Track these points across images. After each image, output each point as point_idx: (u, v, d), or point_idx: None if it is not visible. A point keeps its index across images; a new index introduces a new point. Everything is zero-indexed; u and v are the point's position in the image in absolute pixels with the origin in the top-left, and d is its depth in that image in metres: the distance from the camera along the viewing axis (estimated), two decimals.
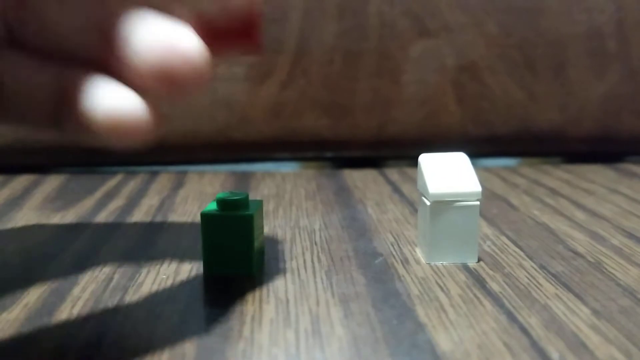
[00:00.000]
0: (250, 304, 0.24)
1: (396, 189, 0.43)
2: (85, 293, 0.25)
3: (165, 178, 0.47)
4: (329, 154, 0.54)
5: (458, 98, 0.52)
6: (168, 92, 0.20)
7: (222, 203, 0.26)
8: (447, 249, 0.28)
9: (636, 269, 0.27)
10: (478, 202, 0.28)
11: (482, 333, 0.21)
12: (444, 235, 0.28)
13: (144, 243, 0.31)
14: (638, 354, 0.20)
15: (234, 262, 0.26)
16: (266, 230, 0.33)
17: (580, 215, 0.35)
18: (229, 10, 0.23)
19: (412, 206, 0.38)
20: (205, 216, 0.26)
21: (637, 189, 0.42)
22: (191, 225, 0.34)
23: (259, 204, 0.28)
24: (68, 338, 0.21)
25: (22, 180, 0.46)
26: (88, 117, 0.21)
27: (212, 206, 0.27)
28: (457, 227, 0.28)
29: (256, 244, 0.27)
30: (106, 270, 0.28)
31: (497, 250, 0.30)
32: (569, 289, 0.25)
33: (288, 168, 0.54)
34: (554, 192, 0.41)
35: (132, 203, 0.39)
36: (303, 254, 0.30)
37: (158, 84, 0.20)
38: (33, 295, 0.25)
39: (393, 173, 0.48)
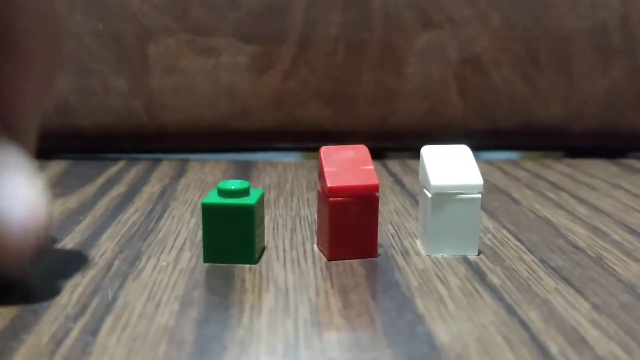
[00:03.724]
0: (249, 293, 0.24)
1: (398, 181, 0.43)
2: (85, 279, 0.25)
3: (166, 166, 0.47)
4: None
5: (461, 91, 0.52)
6: None
7: (223, 192, 0.26)
8: (447, 241, 0.28)
9: (637, 264, 0.27)
10: (479, 195, 0.27)
11: (481, 326, 0.21)
12: (445, 228, 0.28)
13: (144, 230, 0.31)
14: (638, 349, 0.20)
15: (235, 252, 0.26)
16: (267, 219, 0.33)
17: (581, 210, 0.35)
18: None
19: (414, 198, 0.38)
20: (206, 205, 0.26)
21: (639, 185, 0.42)
22: (192, 213, 0.34)
23: (260, 193, 0.27)
24: (67, 323, 0.21)
25: None
26: None
27: (213, 195, 0.27)
28: (458, 219, 0.28)
29: (257, 233, 0.27)
30: (106, 256, 0.28)
31: (497, 244, 0.30)
32: (569, 283, 0.25)
33: (290, 158, 0.54)
34: (555, 186, 0.41)
35: (134, 190, 0.39)
36: (303, 243, 0.30)
37: None
38: (33, 280, 0.25)
39: (395, 165, 0.48)
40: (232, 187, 0.26)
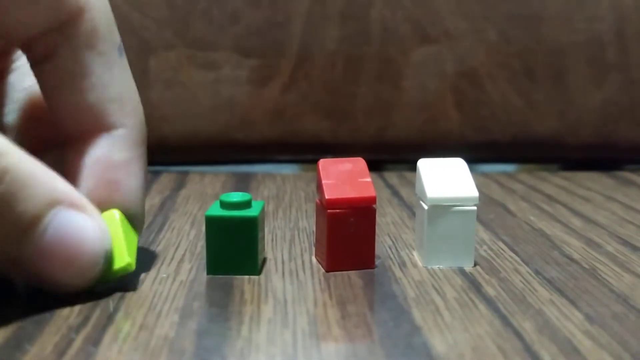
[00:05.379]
0: (248, 304, 0.24)
1: (395, 193, 0.43)
2: (84, 291, 0.25)
3: (166, 178, 0.47)
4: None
5: (457, 104, 0.53)
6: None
7: (226, 204, 0.27)
8: (444, 253, 0.28)
9: (630, 275, 0.28)
10: (475, 207, 0.28)
11: (476, 336, 0.22)
12: (441, 239, 0.28)
13: (144, 242, 0.31)
14: (630, 359, 0.20)
15: (238, 263, 0.27)
16: (266, 231, 0.33)
17: (576, 222, 0.36)
18: None
19: (411, 210, 0.38)
20: (210, 217, 0.26)
21: (633, 197, 0.42)
22: (192, 225, 0.34)
23: (262, 205, 0.28)
24: (70, 334, 0.22)
25: None
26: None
27: (215, 207, 0.27)
28: (454, 231, 0.28)
29: (259, 245, 0.27)
30: None
31: (493, 255, 0.30)
32: (563, 294, 0.26)
33: (288, 170, 0.54)
34: (550, 198, 0.42)
35: None
36: (302, 255, 0.30)
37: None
38: (32, 293, 0.25)
39: (392, 177, 0.49)
40: (235, 200, 0.27)
